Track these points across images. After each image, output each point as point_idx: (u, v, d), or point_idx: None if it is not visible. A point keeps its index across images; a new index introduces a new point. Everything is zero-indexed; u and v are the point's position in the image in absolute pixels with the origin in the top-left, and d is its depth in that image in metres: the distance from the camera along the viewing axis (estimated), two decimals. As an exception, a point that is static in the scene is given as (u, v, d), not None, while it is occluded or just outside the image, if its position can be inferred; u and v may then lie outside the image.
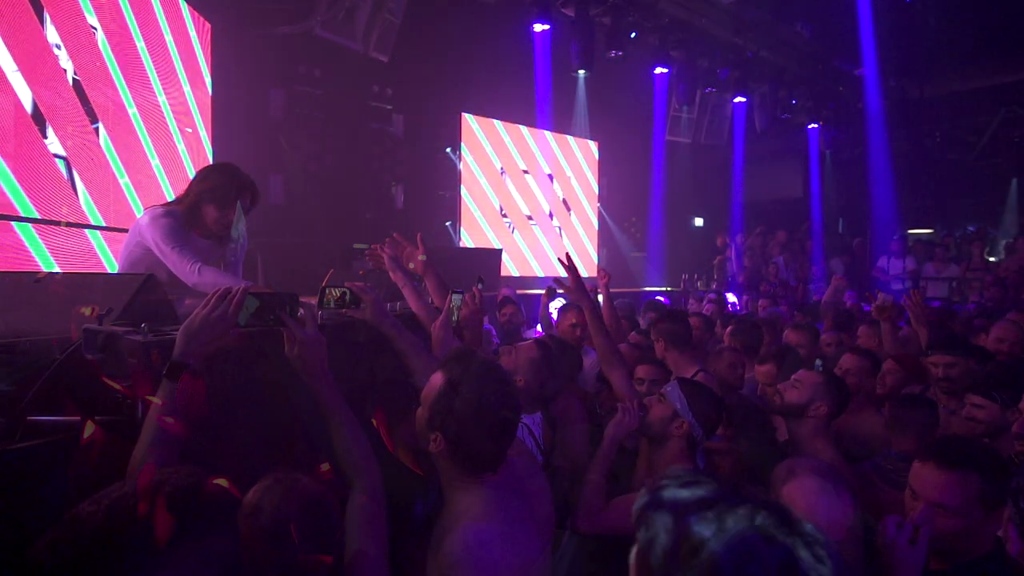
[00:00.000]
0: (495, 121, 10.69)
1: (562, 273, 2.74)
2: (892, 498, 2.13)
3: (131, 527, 0.94)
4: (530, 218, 11.28)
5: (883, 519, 1.59)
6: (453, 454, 1.53)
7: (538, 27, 8.31)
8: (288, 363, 1.65)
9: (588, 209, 12.44)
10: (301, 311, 1.68)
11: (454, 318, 2.47)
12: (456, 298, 2.51)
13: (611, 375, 2.62)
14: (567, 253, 3.02)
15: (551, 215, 11.66)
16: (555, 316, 4.41)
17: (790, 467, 1.79)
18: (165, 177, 5.55)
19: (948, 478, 1.64)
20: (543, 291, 5.67)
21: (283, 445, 1.77)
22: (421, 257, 2.66)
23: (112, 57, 4.88)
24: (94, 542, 0.92)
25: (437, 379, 1.59)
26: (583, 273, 2.85)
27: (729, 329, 4.24)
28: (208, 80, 6.48)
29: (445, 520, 1.54)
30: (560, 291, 2.82)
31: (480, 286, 2.62)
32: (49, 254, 4.28)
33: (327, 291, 1.97)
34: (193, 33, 6.16)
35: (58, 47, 4.33)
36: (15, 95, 3.99)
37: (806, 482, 1.71)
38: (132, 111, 5.13)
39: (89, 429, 1.43)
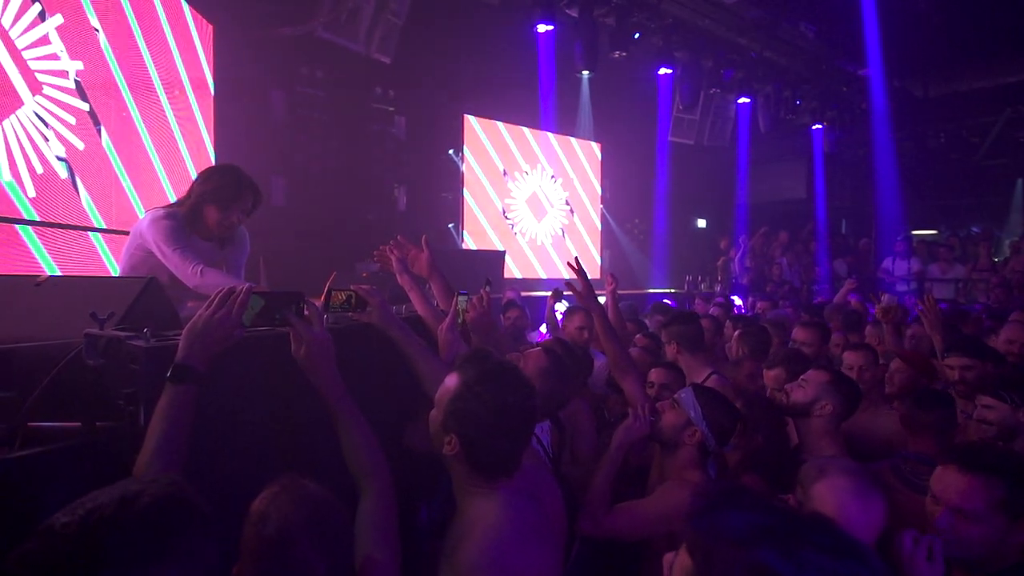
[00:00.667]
0: (498, 123, 10.66)
1: (566, 275, 2.70)
2: (910, 501, 2.08)
3: (108, 538, 0.88)
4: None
5: (899, 533, 1.55)
6: (469, 457, 1.50)
7: (541, 28, 8.27)
8: (295, 365, 1.61)
9: (591, 210, 12.40)
10: (306, 310, 1.64)
11: (459, 320, 2.43)
12: (462, 300, 2.47)
13: (623, 381, 2.57)
14: (575, 257, 2.97)
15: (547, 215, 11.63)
16: (560, 318, 4.36)
17: (821, 466, 1.75)
18: (167, 178, 5.53)
19: (971, 482, 1.59)
20: (548, 293, 5.63)
21: (291, 450, 1.73)
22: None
23: (114, 58, 4.86)
24: (68, 555, 0.87)
25: (452, 380, 1.55)
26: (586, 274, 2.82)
27: (737, 333, 4.19)
28: (210, 81, 6.46)
29: (459, 527, 1.50)
30: (568, 292, 2.79)
31: (488, 288, 2.58)
32: (50, 256, 4.25)
33: (333, 293, 1.93)
34: (195, 34, 6.13)
35: (61, 49, 4.31)
36: (17, 97, 3.97)
37: (838, 481, 1.67)
38: (134, 112, 5.11)
39: (91, 435, 1.40)
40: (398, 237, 2.64)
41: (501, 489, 1.51)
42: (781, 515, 0.77)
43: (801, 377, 2.61)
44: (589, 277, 2.75)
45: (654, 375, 3.06)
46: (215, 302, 1.49)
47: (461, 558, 1.40)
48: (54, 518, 0.90)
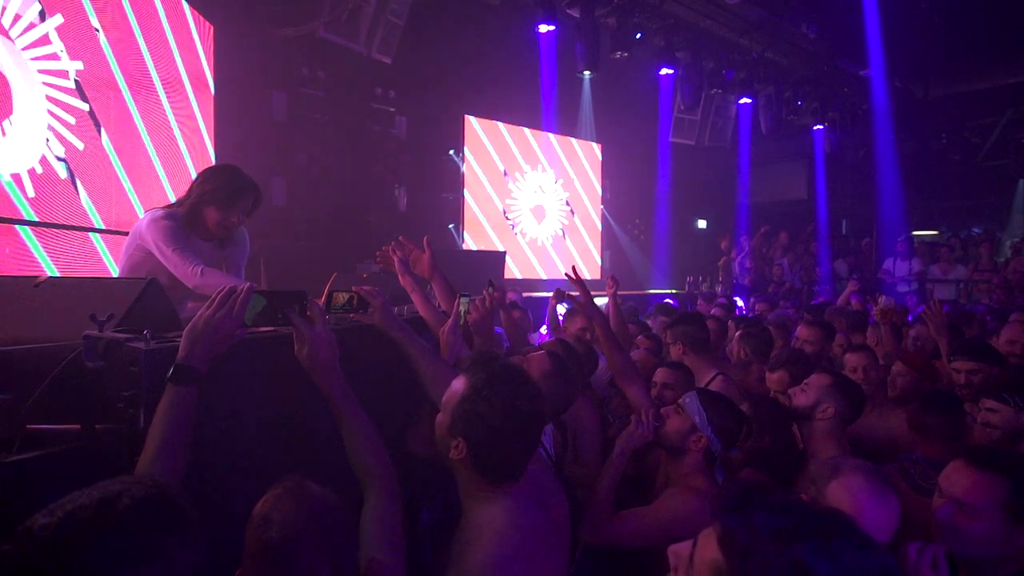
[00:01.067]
0: (498, 123, 10.64)
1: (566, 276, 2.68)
2: (918, 505, 2.06)
3: (86, 541, 0.87)
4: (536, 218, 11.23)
5: (904, 545, 1.54)
6: (476, 461, 1.47)
7: (543, 28, 8.26)
8: (297, 365, 1.59)
9: (592, 211, 12.39)
10: (308, 310, 1.62)
11: (461, 322, 2.42)
12: (464, 301, 2.45)
13: (627, 389, 2.55)
14: (573, 266, 2.95)
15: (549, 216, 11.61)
16: (562, 319, 4.34)
17: (834, 464, 1.74)
18: (167, 179, 5.51)
19: (977, 478, 1.58)
20: (549, 294, 5.61)
21: (294, 451, 1.72)
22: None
23: (114, 58, 4.84)
24: (45, 557, 0.85)
25: (460, 383, 1.53)
26: (586, 275, 2.80)
27: (738, 334, 4.16)
28: (210, 81, 6.44)
29: (466, 532, 1.48)
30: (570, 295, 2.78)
31: (491, 290, 2.56)
32: (49, 257, 4.23)
33: (334, 294, 1.91)
34: (195, 34, 6.12)
35: (61, 48, 4.29)
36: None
37: (853, 479, 1.66)
38: (134, 112, 5.10)
39: (90, 438, 1.38)
40: (400, 238, 2.62)
41: (507, 494, 1.49)
42: (809, 512, 0.80)
43: (804, 381, 2.61)
44: (589, 277, 2.73)
45: (658, 375, 3.04)
46: (216, 302, 1.47)
47: (468, 564, 1.39)
48: (33, 519, 0.89)
